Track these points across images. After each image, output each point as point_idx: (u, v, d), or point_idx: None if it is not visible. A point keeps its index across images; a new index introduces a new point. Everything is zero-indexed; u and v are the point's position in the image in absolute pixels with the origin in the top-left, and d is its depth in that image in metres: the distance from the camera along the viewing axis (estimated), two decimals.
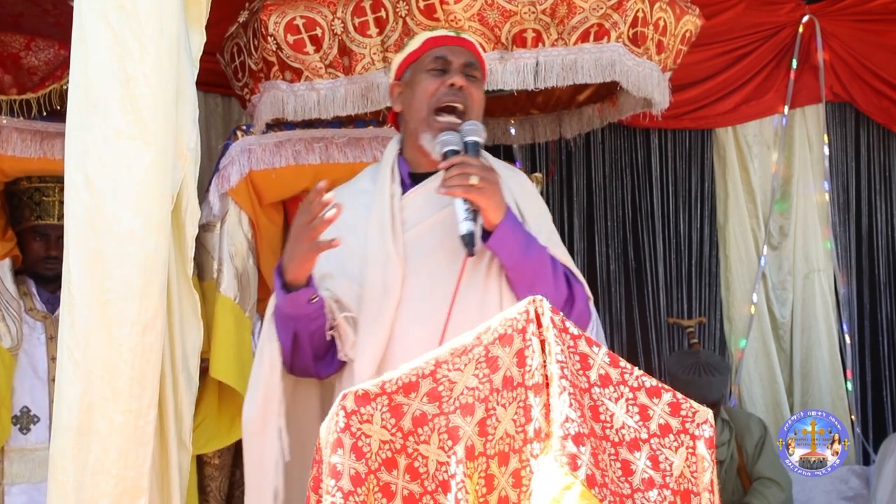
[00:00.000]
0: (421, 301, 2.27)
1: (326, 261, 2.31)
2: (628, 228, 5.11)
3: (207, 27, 2.47)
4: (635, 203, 5.11)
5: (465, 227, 2.22)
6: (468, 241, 2.22)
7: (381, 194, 2.39)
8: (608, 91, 3.93)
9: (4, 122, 3.42)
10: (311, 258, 2.22)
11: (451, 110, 2.34)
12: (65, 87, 3.39)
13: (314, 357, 2.33)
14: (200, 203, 2.71)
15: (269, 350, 2.34)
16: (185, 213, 2.45)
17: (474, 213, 2.23)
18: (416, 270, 2.31)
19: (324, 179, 2.20)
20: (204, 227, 3.58)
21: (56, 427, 2.31)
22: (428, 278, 2.29)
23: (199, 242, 3.57)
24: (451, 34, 2.43)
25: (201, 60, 2.48)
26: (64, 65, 3.43)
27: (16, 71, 3.50)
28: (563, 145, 4.98)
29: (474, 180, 2.19)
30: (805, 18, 4.91)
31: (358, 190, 2.46)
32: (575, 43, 3.25)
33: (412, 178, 2.43)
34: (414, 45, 2.43)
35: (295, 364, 2.34)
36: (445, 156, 2.27)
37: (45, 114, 3.44)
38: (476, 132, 2.29)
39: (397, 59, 2.46)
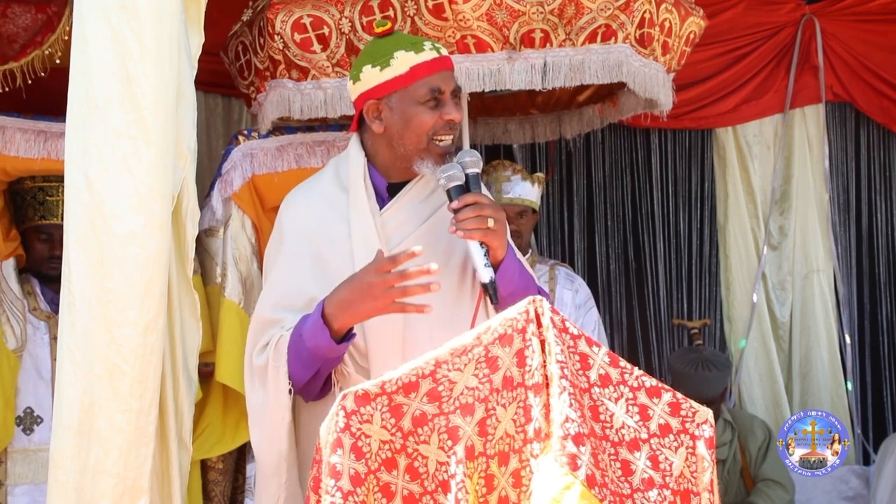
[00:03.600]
0: (428, 322, 2.26)
1: (312, 283, 2.29)
2: (628, 228, 5.11)
3: (206, 27, 2.47)
4: (635, 203, 5.11)
5: (488, 274, 2.24)
6: (493, 289, 2.24)
7: (361, 210, 2.37)
8: (608, 92, 3.94)
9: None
10: (378, 314, 2.18)
11: (442, 141, 2.37)
12: (46, 52, 3.35)
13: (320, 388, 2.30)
14: (200, 204, 2.71)
15: (274, 380, 2.24)
16: (185, 214, 2.45)
17: (487, 254, 2.25)
18: None
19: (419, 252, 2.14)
20: (207, 232, 3.59)
21: (56, 427, 2.31)
22: (426, 297, 2.27)
23: (203, 247, 3.58)
24: (435, 55, 2.38)
25: (202, 60, 2.48)
26: (44, 29, 3.36)
27: None
28: (563, 145, 4.98)
29: (491, 223, 2.23)
30: (805, 18, 4.91)
31: (327, 198, 2.41)
32: (582, 43, 3.26)
33: (389, 190, 2.42)
34: (399, 69, 2.35)
35: (304, 387, 2.28)
36: (450, 192, 2.29)
37: (29, 82, 3.39)
38: (476, 164, 2.32)
39: (377, 77, 2.37)
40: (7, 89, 3.40)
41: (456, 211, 2.26)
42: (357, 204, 2.37)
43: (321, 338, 2.18)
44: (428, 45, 2.40)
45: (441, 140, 2.35)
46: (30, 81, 3.39)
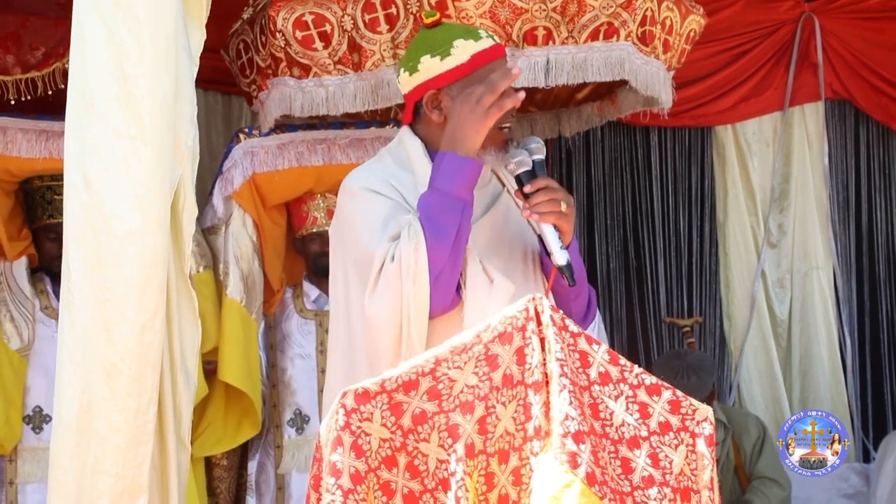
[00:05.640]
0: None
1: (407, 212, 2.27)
2: (628, 226, 5.11)
3: (207, 24, 2.46)
4: (635, 201, 5.12)
5: (564, 256, 2.23)
6: (570, 270, 2.24)
7: None
8: (607, 89, 3.94)
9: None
10: (485, 125, 2.24)
11: (507, 129, 2.39)
12: (66, 65, 3.37)
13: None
14: (200, 202, 2.71)
15: (411, 258, 2.16)
16: (183, 212, 2.44)
17: (560, 237, 2.25)
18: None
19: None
20: (209, 231, 3.61)
21: (56, 426, 2.31)
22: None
23: (206, 246, 3.60)
24: (491, 42, 2.38)
25: (202, 58, 2.47)
26: (64, 42, 3.39)
27: (17, 50, 3.46)
28: (562, 143, 4.98)
29: (564, 207, 2.23)
30: (804, 16, 4.91)
31: (392, 174, 2.38)
32: (585, 41, 3.26)
33: None
34: (460, 58, 2.33)
35: (443, 274, 2.20)
36: (519, 177, 2.29)
37: (50, 93, 3.40)
38: (541, 150, 2.32)
39: (437, 67, 2.34)
40: (29, 98, 3.41)
41: (527, 196, 2.25)
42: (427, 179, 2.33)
43: (459, 164, 2.22)
44: (483, 33, 2.40)
45: (505, 127, 2.35)
46: (51, 92, 3.39)
